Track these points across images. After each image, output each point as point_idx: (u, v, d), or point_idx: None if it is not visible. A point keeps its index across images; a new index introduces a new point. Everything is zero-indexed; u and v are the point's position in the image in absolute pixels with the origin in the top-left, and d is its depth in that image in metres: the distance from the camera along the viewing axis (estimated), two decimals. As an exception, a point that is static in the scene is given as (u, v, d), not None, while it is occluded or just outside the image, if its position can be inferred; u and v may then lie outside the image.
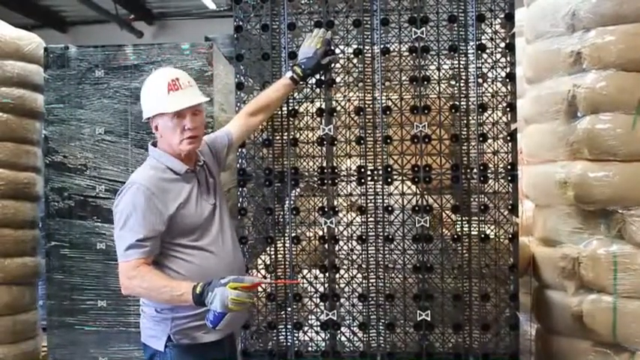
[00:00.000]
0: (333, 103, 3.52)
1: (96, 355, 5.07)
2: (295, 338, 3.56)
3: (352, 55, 3.53)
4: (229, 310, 2.57)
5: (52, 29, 13.60)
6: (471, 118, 3.46)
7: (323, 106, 3.51)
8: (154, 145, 2.98)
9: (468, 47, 3.47)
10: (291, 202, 3.57)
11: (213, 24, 12.08)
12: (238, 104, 3.58)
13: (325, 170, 3.52)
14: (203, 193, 2.95)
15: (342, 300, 3.53)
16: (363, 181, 3.49)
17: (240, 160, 3.58)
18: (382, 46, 3.49)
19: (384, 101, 3.49)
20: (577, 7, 3.61)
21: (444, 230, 3.51)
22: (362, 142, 3.49)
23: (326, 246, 3.53)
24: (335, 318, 3.50)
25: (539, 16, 3.90)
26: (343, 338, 3.55)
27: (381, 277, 3.50)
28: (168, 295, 2.69)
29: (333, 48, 3.48)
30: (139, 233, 2.72)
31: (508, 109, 3.44)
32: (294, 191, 3.59)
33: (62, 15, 13.86)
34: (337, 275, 3.52)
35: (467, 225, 3.47)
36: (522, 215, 4.06)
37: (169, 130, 2.86)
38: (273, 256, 3.57)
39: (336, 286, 3.53)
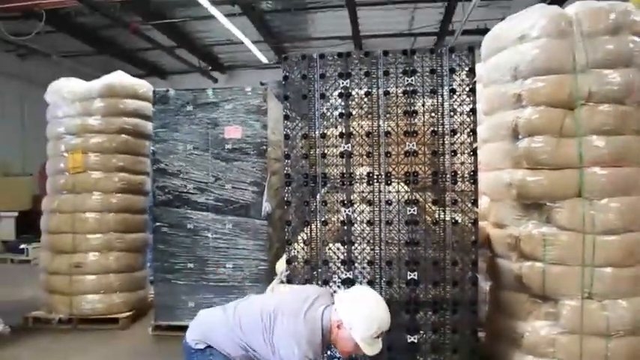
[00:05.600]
0: (351, 128, 3.48)
1: (186, 300, 5.16)
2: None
3: (364, 96, 3.48)
4: None
5: (155, 77, 13.77)
6: (445, 139, 3.42)
7: (343, 131, 3.48)
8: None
9: (444, 90, 3.42)
10: (321, 197, 3.53)
11: (265, 73, 12.14)
12: (285, 130, 3.53)
13: (345, 175, 3.48)
14: None
15: (356, 264, 3.49)
16: (371, 182, 3.45)
17: (286, 168, 3.53)
18: (384, 90, 3.46)
19: (385, 127, 3.45)
20: (518, 63, 3.60)
21: (427, 217, 3.46)
22: (370, 155, 3.45)
23: (345, 227, 3.49)
24: (351, 277, 3.48)
25: (492, 69, 3.89)
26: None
27: (383, 249, 3.46)
28: None
29: None
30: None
31: (471, 133, 3.40)
32: (323, 189, 3.55)
33: (162, 67, 14.02)
34: (353, 247, 3.49)
35: (443, 213, 3.42)
36: (481, 206, 4.03)
37: (347, 342, 2.53)
38: (308, 234, 3.54)
39: (352, 255, 3.49)
